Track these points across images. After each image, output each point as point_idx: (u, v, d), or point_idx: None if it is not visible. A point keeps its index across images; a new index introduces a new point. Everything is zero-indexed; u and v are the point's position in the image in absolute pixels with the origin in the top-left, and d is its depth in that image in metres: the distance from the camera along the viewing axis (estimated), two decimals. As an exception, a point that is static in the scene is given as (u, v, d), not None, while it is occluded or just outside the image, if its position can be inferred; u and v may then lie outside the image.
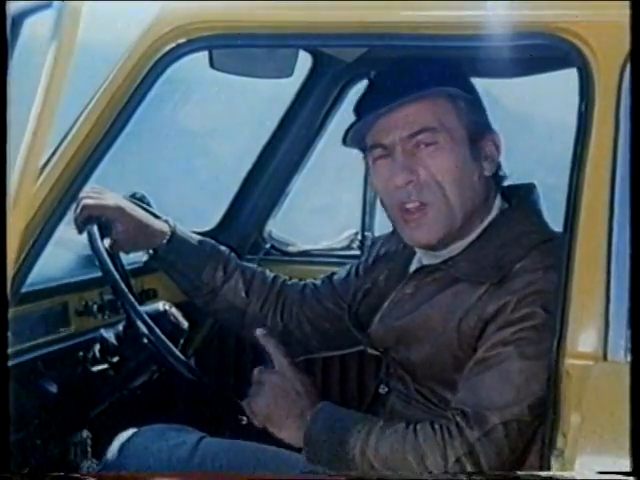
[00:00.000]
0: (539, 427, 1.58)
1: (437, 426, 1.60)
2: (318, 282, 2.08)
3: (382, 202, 1.78)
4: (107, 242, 1.93)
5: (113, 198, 1.96)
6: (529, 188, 1.79)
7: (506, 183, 1.80)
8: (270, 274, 2.11)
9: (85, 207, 1.90)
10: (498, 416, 1.57)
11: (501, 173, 1.78)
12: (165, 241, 2.00)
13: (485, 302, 1.64)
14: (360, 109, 1.77)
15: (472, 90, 1.76)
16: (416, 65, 1.73)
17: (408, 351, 1.76)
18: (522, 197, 1.77)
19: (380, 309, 1.85)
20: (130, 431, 1.97)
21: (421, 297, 1.75)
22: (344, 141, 1.78)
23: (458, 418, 1.59)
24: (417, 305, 1.75)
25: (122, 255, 2.05)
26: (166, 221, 2.02)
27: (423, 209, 1.70)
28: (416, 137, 1.69)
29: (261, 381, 1.71)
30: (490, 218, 1.74)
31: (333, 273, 2.07)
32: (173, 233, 2.01)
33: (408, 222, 1.73)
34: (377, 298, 1.89)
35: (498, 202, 1.76)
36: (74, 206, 1.85)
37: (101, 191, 1.94)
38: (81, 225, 1.89)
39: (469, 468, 1.57)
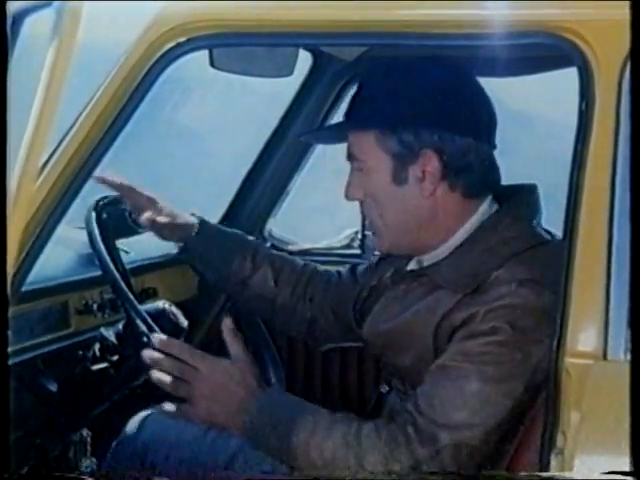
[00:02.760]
0: (495, 452, 1.58)
1: (385, 432, 1.58)
2: (343, 271, 2.08)
3: None
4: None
5: (146, 191, 2.04)
6: (527, 190, 1.77)
7: (506, 183, 1.79)
8: (300, 262, 2.13)
9: (120, 187, 1.99)
10: (449, 436, 1.55)
11: (486, 179, 1.74)
12: (194, 233, 2.04)
13: (457, 310, 1.63)
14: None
15: (420, 111, 1.71)
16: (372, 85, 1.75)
17: (395, 356, 1.75)
18: (515, 200, 1.74)
19: (372, 311, 1.86)
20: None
21: (407, 302, 1.75)
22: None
23: (410, 429, 1.57)
24: (402, 310, 1.75)
25: (122, 254, 2.05)
26: (193, 214, 2.07)
27: (373, 223, 1.78)
28: (352, 161, 1.75)
29: (208, 372, 1.66)
30: (474, 221, 1.72)
31: (358, 263, 2.09)
32: (201, 225, 2.05)
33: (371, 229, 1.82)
34: (375, 298, 1.90)
35: (486, 205, 1.73)
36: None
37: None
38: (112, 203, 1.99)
39: None
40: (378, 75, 1.74)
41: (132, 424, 2.02)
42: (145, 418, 2.03)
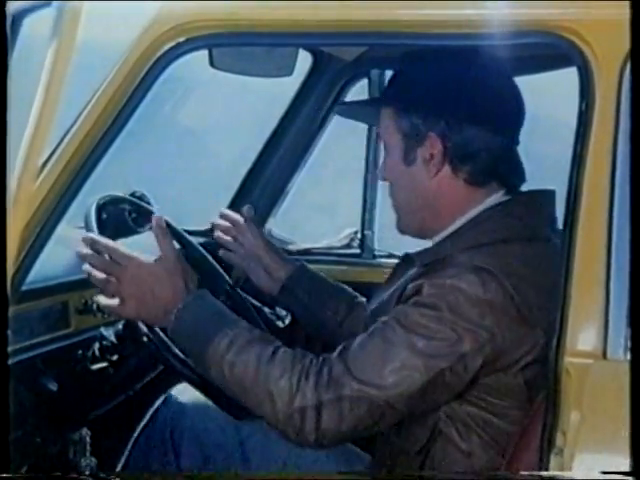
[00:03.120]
0: (395, 424, 1.62)
1: (300, 364, 1.59)
2: None
3: None
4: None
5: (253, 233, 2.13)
6: (541, 191, 1.77)
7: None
8: None
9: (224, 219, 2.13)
10: (356, 387, 1.57)
11: (500, 175, 1.74)
12: (290, 275, 2.10)
13: (412, 281, 1.66)
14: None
15: (420, 98, 1.74)
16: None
17: None
18: (520, 198, 1.75)
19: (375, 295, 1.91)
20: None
21: (392, 284, 1.80)
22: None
23: (325, 369, 1.58)
24: (385, 291, 1.80)
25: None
26: (296, 259, 2.16)
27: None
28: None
29: (135, 271, 1.68)
30: (476, 210, 1.73)
31: None
32: (301, 268, 2.12)
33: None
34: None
35: (494, 198, 1.74)
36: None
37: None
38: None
39: (308, 422, 1.56)
40: (410, 62, 1.77)
41: (163, 398, 2.05)
42: (171, 396, 2.05)
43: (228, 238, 2.14)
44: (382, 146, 1.83)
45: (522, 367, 1.61)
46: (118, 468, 2.05)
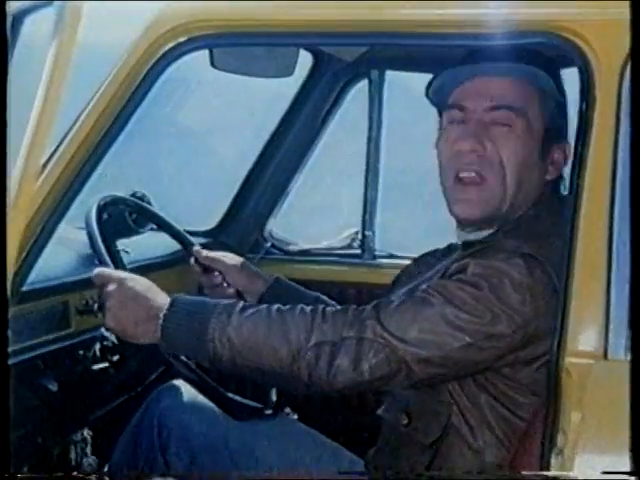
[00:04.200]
0: (408, 379, 1.59)
1: (310, 311, 1.60)
2: None
3: (440, 169, 1.77)
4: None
5: (229, 256, 2.12)
6: (564, 196, 1.76)
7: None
8: None
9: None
10: (379, 332, 1.56)
11: (558, 182, 1.77)
12: (268, 289, 2.08)
13: (456, 262, 1.66)
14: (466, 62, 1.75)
15: (563, 95, 1.75)
16: (523, 48, 1.68)
17: None
18: (554, 199, 1.76)
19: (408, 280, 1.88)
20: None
21: (432, 266, 1.79)
22: (427, 91, 1.79)
23: (350, 311, 1.59)
24: (428, 270, 1.78)
25: (123, 254, 2.05)
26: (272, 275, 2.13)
27: (478, 183, 1.71)
28: (496, 111, 1.69)
29: (105, 295, 1.69)
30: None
31: None
32: (278, 281, 2.09)
33: (459, 193, 1.73)
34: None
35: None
36: None
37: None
38: None
39: (323, 358, 1.55)
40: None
41: (151, 396, 2.03)
42: (163, 389, 2.03)
43: (207, 277, 2.13)
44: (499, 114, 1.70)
45: (544, 362, 1.59)
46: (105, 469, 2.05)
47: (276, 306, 1.62)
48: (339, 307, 1.64)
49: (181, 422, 1.95)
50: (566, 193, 1.70)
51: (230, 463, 1.91)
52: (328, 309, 1.61)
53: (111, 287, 1.69)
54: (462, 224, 1.76)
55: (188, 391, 1.96)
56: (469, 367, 1.62)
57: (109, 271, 1.74)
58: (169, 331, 1.65)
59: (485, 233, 1.74)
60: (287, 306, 1.63)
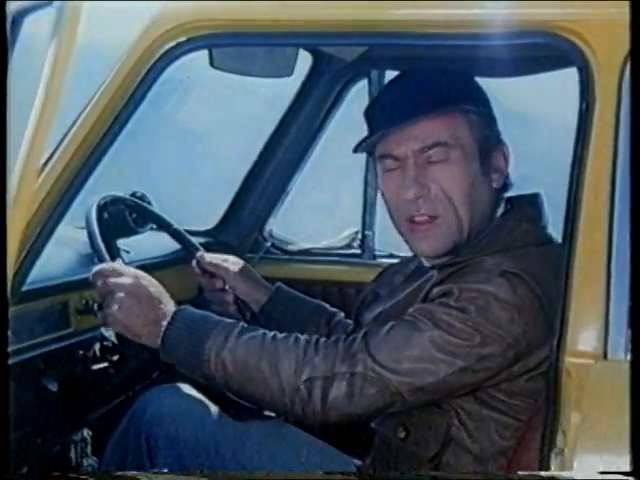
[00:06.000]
0: (404, 406, 1.59)
1: (303, 342, 1.60)
2: None
3: (389, 212, 1.78)
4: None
5: (235, 262, 2.12)
6: (531, 196, 1.79)
7: (512, 193, 1.80)
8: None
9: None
10: (370, 366, 1.57)
11: (508, 182, 1.79)
12: (269, 298, 2.08)
13: (437, 286, 1.66)
14: (371, 115, 1.77)
15: (486, 103, 1.76)
16: (430, 77, 1.74)
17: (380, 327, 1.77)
18: (521, 201, 1.77)
19: (377, 300, 1.90)
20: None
21: (403, 287, 1.80)
22: (355, 150, 1.79)
23: (340, 345, 1.59)
24: (397, 294, 1.80)
25: (123, 254, 2.05)
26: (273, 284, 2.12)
27: (432, 221, 1.71)
28: (428, 151, 1.70)
29: (116, 286, 1.69)
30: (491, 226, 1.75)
31: None
32: (279, 291, 2.10)
33: (416, 233, 1.74)
34: (376, 295, 1.93)
35: (501, 210, 1.77)
36: None
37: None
38: None
39: (315, 393, 1.56)
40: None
41: (138, 402, 2.02)
42: (150, 395, 2.02)
43: (209, 280, 2.13)
44: (427, 155, 1.70)
45: (543, 372, 1.59)
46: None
47: (272, 334, 1.63)
48: (332, 338, 1.64)
49: (169, 428, 1.93)
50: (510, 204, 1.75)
51: (219, 466, 1.90)
52: (321, 341, 1.61)
53: (126, 280, 1.68)
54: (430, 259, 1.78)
55: (177, 392, 1.95)
56: (463, 389, 1.62)
57: (125, 266, 1.75)
58: (169, 341, 1.66)
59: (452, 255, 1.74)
60: (282, 335, 1.63)
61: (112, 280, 1.70)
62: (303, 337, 1.62)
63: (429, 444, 1.67)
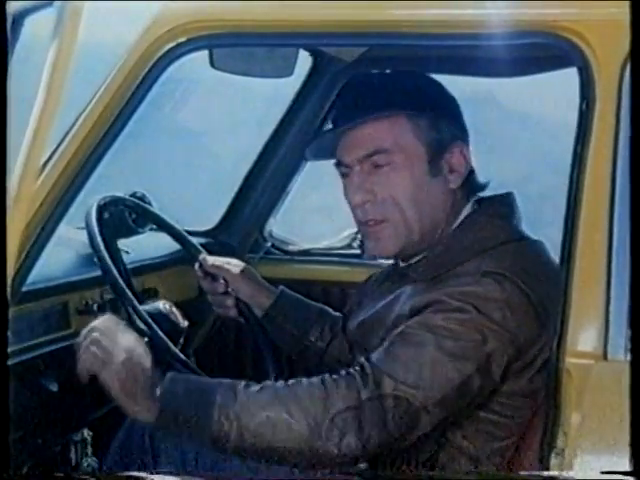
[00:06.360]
0: (432, 424, 1.58)
1: (316, 378, 1.57)
2: None
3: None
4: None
5: (234, 263, 2.10)
6: (503, 195, 1.79)
7: (485, 192, 1.81)
8: None
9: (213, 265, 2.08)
10: (393, 385, 1.55)
11: (475, 180, 1.79)
12: (271, 303, 2.06)
13: (419, 296, 1.66)
14: (332, 121, 1.81)
15: (440, 104, 1.76)
16: (377, 81, 1.77)
17: (364, 340, 1.77)
18: (491, 200, 1.78)
19: (360, 308, 1.90)
20: None
21: (382, 296, 1.79)
22: (305, 157, 1.86)
23: (355, 372, 1.57)
24: (377, 303, 1.79)
25: (123, 254, 2.05)
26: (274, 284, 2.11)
27: (380, 224, 1.75)
28: (371, 158, 1.72)
29: (107, 358, 1.61)
30: (455, 225, 1.75)
31: None
32: (283, 296, 2.08)
33: (369, 235, 1.78)
34: (361, 301, 1.94)
35: (468, 208, 1.77)
36: None
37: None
38: None
39: (350, 425, 1.52)
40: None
41: None
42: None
43: (211, 283, 2.11)
44: (372, 161, 1.72)
45: (538, 369, 1.61)
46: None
47: (281, 382, 1.59)
48: (341, 372, 1.59)
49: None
50: (485, 182, 1.77)
51: (221, 466, 1.90)
52: (333, 376, 1.58)
53: (119, 357, 1.60)
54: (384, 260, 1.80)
55: None
56: (482, 393, 1.61)
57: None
58: (168, 410, 1.58)
59: (416, 259, 1.76)
60: (291, 380, 1.59)
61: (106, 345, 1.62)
62: (313, 378, 1.58)
63: (424, 446, 1.67)
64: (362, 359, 1.61)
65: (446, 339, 1.57)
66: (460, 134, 1.76)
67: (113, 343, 1.63)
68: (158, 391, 1.59)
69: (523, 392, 1.65)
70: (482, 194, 1.80)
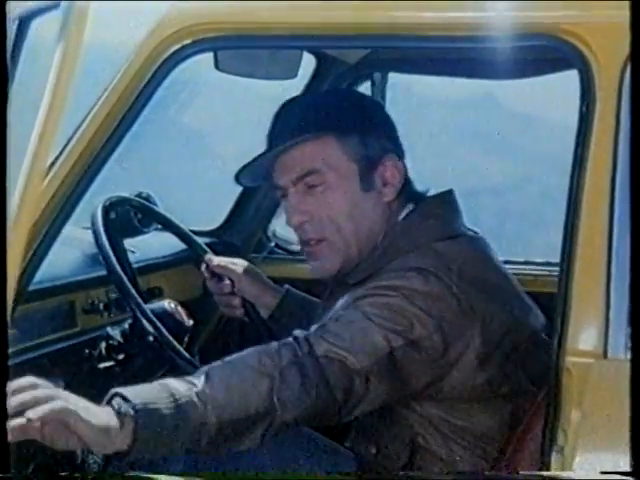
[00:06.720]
0: (367, 391, 1.58)
1: (258, 348, 1.57)
2: None
3: None
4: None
5: (240, 264, 2.10)
6: (440, 194, 1.82)
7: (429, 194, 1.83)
8: None
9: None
10: (326, 348, 1.56)
11: (411, 190, 1.81)
12: (280, 301, 2.07)
13: (349, 294, 1.68)
14: (267, 144, 1.83)
15: (367, 121, 1.78)
16: (314, 101, 1.85)
17: None
18: (426, 203, 1.80)
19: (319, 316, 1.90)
20: None
21: (330, 307, 1.78)
22: (239, 182, 1.89)
23: (291, 341, 1.58)
24: (327, 311, 1.78)
25: (129, 254, 2.06)
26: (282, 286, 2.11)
27: (320, 243, 1.78)
28: (304, 179, 1.76)
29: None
30: (389, 228, 1.78)
31: None
32: (288, 295, 2.09)
33: (310, 255, 1.81)
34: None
35: (404, 213, 1.79)
36: None
37: None
38: None
39: (295, 380, 1.52)
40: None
41: None
42: None
43: (217, 284, 2.12)
44: (304, 182, 1.76)
45: (479, 364, 1.63)
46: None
47: (220, 360, 1.56)
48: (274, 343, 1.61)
49: None
50: (423, 191, 1.79)
51: (223, 463, 1.90)
52: (269, 345, 1.59)
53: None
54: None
55: None
56: (415, 374, 1.62)
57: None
58: (144, 430, 1.51)
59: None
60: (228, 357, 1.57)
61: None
62: (248, 349, 1.59)
63: (399, 455, 1.70)
64: (295, 332, 1.62)
65: (376, 316, 1.60)
66: (393, 147, 1.79)
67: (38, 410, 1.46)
68: (126, 418, 1.52)
69: (471, 391, 1.66)
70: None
